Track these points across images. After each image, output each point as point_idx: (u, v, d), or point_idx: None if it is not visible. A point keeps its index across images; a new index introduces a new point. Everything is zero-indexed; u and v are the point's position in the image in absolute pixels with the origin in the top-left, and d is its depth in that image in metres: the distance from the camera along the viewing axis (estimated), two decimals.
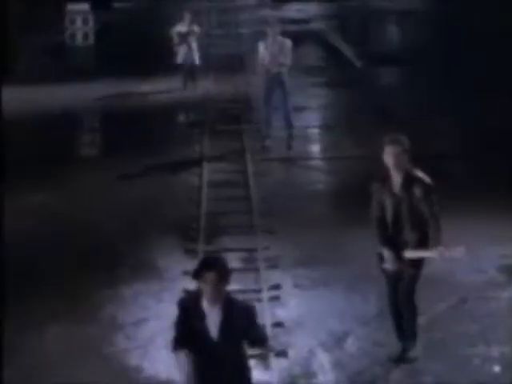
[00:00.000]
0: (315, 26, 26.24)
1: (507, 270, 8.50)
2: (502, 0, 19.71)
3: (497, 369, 6.75)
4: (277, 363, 6.80)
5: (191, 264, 8.43)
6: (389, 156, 6.48)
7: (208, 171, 11.84)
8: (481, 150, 12.26)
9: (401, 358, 6.89)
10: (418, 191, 6.47)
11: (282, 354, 6.97)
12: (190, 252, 9.04)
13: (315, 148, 13.61)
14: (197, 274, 4.95)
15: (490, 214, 9.83)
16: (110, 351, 7.18)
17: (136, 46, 21.34)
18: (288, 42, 12.66)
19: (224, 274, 4.95)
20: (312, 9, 30.47)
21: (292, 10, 29.69)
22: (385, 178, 6.60)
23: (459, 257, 6.41)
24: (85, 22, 21.78)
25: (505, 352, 6.97)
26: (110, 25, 25.50)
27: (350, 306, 7.90)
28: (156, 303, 8.02)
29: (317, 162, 12.82)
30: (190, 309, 5.08)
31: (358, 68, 19.36)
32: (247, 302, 5.28)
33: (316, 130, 14.44)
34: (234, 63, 19.90)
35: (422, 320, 7.14)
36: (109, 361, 7.02)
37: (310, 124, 14.44)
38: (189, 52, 16.77)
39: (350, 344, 7.21)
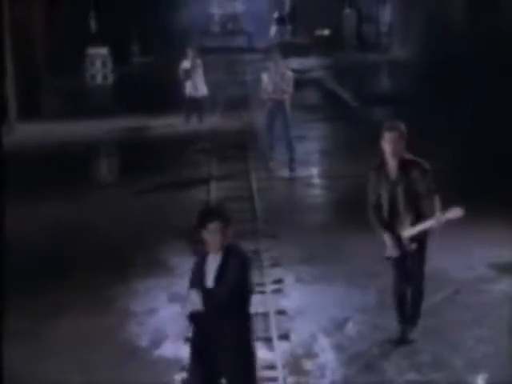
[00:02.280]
0: (315, 74, 26.26)
1: (497, 268, 8.21)
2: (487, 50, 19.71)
3: (489, 349, 6.46)
4: (279, 345, 6.52)
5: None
6: (387, 142, 6.26)
7: (215, 188, 11.62)
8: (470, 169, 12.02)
9: (399, 340, 6.59)
10: (414, 173, 6.24)
11: (284, 337, 6.70)
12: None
13: (314, 169, 13.35)
14: (200, 225, 4.72)
15: (481, 221, 9.57)
16: (123, 336, 6.92)
17: (150, 90, 21.34)
18: (289, 72, 12.59)
19: (226, 221, 4.73)
20: (311, 62, 30.53)
21: (294, 63, 29.71)
22: (380, 166, 6.37)
23: (457, 217, 6.04)
24: (104, 64, 21.79)
25: (496, 334, 6.68)
26: (127, 75, 25.57)
27: (350, 297, 7.61)
28: (166, 295, 7.76)
29: (316, 181, 12.59)
30: (197, 257, 4.91)
31: (353, 107, 19.28)
32: (245, 252, 4.96)
33: (315, 155, 14.25)
34: (240, 104, 19.82)
35: None
36: (122, 344, 6.77)
37: (309, 150, 14.25)
38: (193, 86, 16.52)
39: (350, 328, 6.92)
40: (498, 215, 9.59)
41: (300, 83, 14.16)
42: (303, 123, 15.97)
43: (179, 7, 36.66)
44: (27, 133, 16.68)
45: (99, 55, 21.66)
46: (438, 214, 6.14)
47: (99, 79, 21.87)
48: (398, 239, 6.34)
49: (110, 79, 22.05)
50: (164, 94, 19.91)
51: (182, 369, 6.18)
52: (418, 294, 6.54)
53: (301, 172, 12.65)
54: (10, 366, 5.89)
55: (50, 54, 20.15)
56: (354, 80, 24.93)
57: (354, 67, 28.01)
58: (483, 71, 18.22)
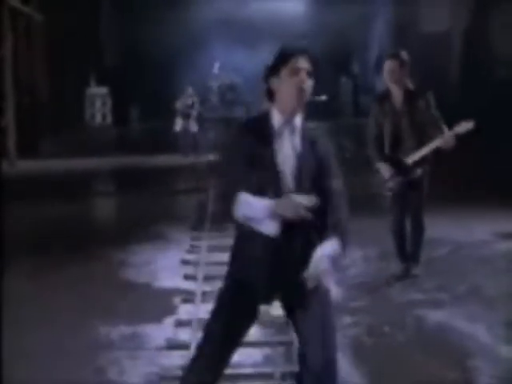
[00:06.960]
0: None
1: (497, 235, 8.20)
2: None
3: (493, 281, 6.43)
4: None
5: (196, 234, 8.34)
6: (387, 71, 6.25)
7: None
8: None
9: (402, 275, 6.50)
10: (419, 103, 6.18)
11: None
12: (196, 228, 8.80)
13: None
14: (279, 63, 3.24)
15: (483, 201, 9.85)
16: (121, 280, 6.84)
17: (149, 141, 21.64)
18: None
19: (317, 65, 3.28)
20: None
21: None
22: (385, 97, 6.34)
23: (467, 130, 5.92)
24: (103, 103, 22.00)
25: (500, 272, 6.67)
26: (126, 138, 25.92)
27: (352, 252, 7.47)
28: (162, 253, 7.78)
29: None
30: (253, 132, 3.26)
31: (348, 149, 19.52)
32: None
33: None
34: None
35: (422, 258, 6.77)
36: (121, 283, 6.73)
37: None
38: (187, 122, 16.78)
39: (353, 271, 6.85)
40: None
41: None
42: None
43: (179, 79, 37.47)
44: (28, 166, 16.77)
45: (99, 94, 21.89)
46: (445, 132, 6.01)
47: (99, 118, 22.04)
48: (401, 168, 6.31)
49: (109, 119, 22.22)
50: (162, 143, 20.17)
51: (181, 293, 6.16)
52: (418, 226, 6.42)
53: None
54: (20, 293, 6.20)
55: (51, 96, 20.42)
56: (349, 133, 25.35)
57: (350, 127, 28.46)
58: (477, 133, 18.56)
